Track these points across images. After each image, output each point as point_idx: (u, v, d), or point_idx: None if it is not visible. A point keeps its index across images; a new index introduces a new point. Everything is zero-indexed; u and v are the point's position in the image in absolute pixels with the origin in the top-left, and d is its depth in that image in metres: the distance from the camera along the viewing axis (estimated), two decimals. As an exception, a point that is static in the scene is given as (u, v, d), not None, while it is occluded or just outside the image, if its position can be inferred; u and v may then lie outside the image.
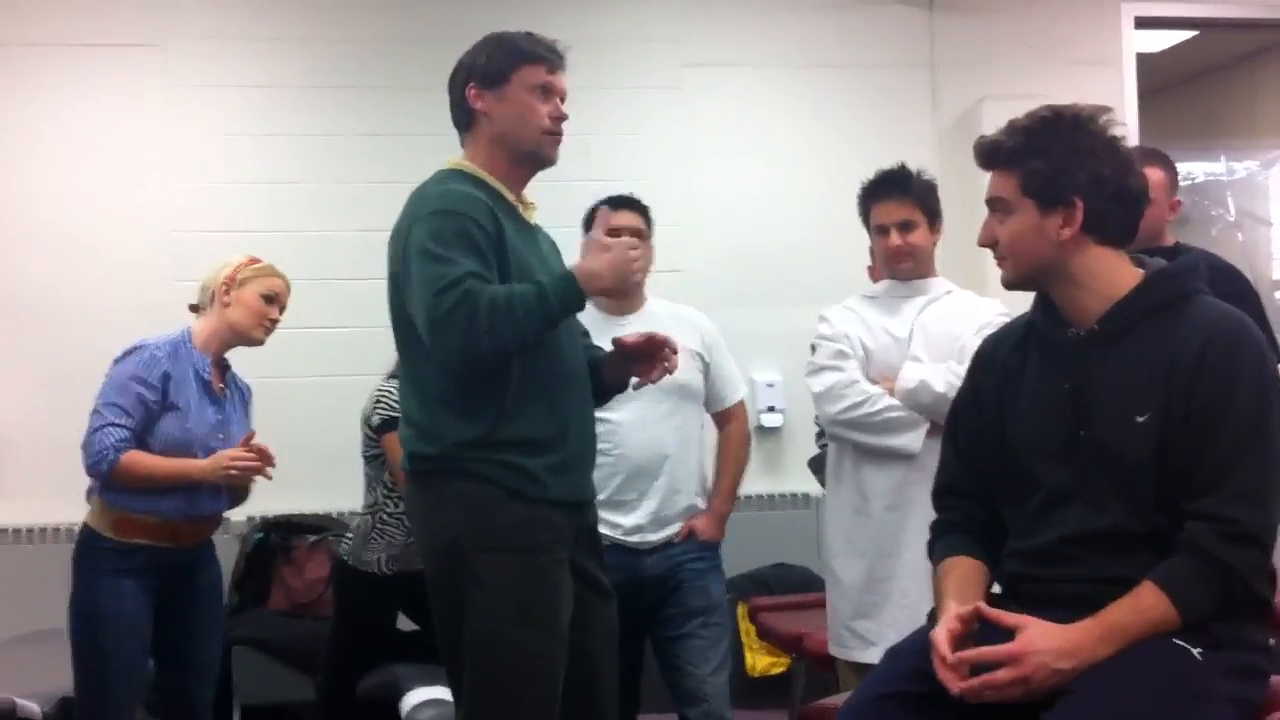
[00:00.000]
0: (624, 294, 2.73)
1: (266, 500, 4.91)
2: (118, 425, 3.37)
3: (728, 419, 3.93)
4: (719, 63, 5.58)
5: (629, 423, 3.59)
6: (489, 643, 2.65)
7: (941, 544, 2.47)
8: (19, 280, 5.11)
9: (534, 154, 2.80)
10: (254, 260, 3.66)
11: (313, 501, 4.90)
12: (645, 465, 3.63)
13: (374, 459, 4.00)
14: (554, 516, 2.70)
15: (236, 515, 4.91)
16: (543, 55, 2.80)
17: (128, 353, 3.50)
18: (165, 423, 3.45)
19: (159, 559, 3.47)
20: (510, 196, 2.82)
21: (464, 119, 2.85)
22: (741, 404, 3.96)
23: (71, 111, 5.19)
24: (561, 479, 2.71)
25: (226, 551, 4.83)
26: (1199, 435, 2.15)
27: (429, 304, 2.56)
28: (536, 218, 2.91)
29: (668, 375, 2.90)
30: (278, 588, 4.88)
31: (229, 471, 3.40)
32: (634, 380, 2.90)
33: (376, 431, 3.95)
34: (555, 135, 2.80)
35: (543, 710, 2.67)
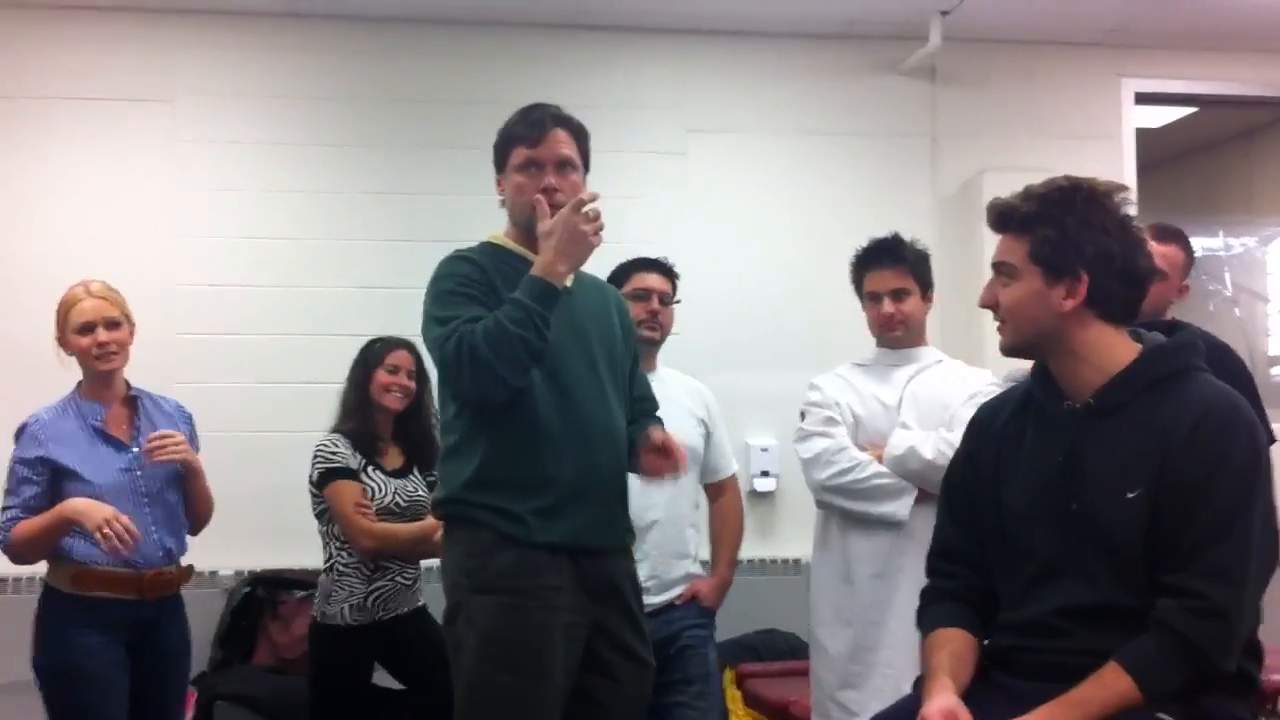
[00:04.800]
0: (582, 261, 2.80)
1: (255, 555, 4.92)
2: (9, 507, 3.39)
3: (721, 491, 3.97)
4: (722, 129, 5.63)
5: (644, 483, 3.59)
6: (472, 683, 2.71)
7: (931, 613, 2.45)
8: (20, 332, 5.09)
9: (531, 227, 2.84)
10: (68, 293, 3.56)
11: (302, 556, 4.85)
12: (662, 525, 3.66)
13: (322, 515, 4.01)
14: (549, 562, 2.73)
15: (224, 569, 4.91)
16: (521, 134, 2.89)
17: (16, 433, 3.49)
18: (68, 488, 3.41)
19: (124, 613, 3.43)
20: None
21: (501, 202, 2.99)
22: (734, 477, 4.01)
23: (76, 165, 5.21)
24: (551, 523, 2.74)
25: (212, 605, 4.83)
26: (1182, 510, 2.16)
27: (438, 361, 2.78)
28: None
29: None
30: (263, 643, 4.84)
31: (101, 532, 3.24)
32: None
33: (318, 486, 3.96)
34: (549, 205, 2.83)
35: None
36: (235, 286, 5.23)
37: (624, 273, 3.82)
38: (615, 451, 2.91)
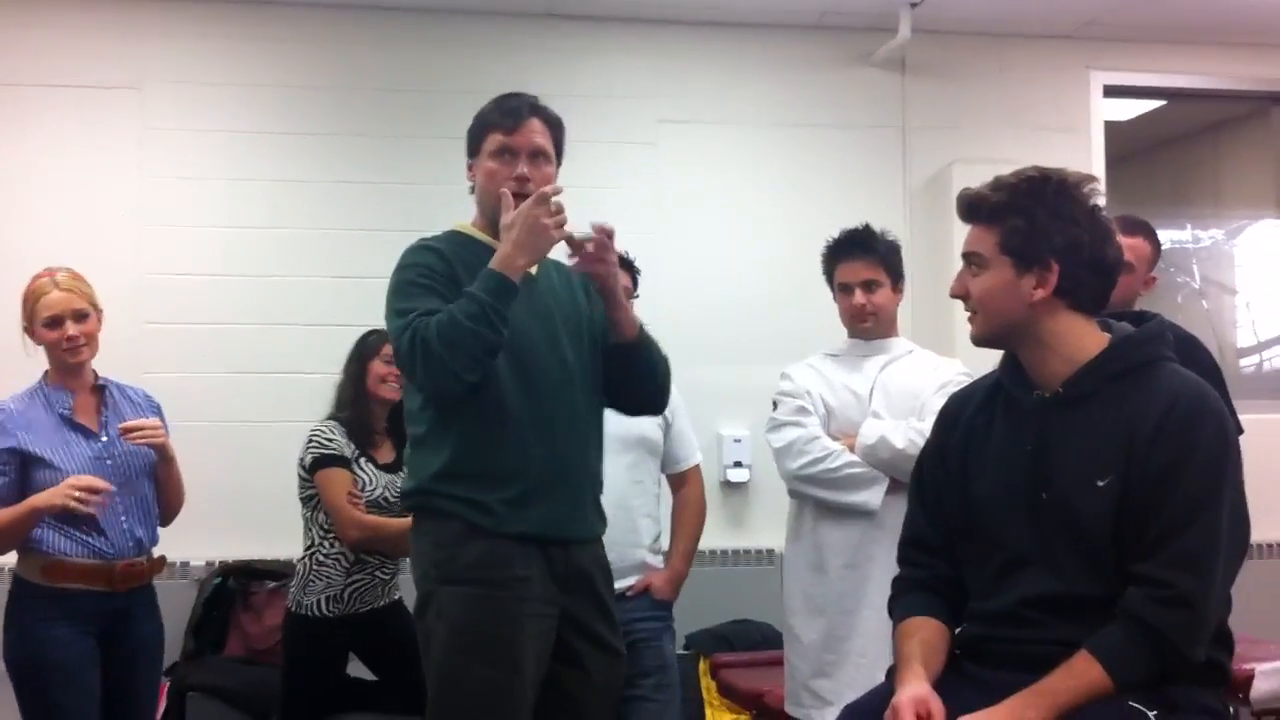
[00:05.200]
0: (543, 255, 2.76)
1: (227, 545, 4.90)
2: None
3: (684, 481, 3.99)
4: (693, 119, 5.62)
5: None
6: (443, 674, 2.71)
7: (903, 602, 2.47)
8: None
9: (494, 217, 2.82)
10: (34, 283, 3.53)
11: (274, 547, 4.85)
12: (610, 514, 3.61)
13: (308, 500, 4.00)
14: (518, 552, 2.73)
15: (196, 560, 4.89)
16: (496, 121, 2.87)
17: None
18: (38, 476, 3.40)
19: (94, 605, 3.41)
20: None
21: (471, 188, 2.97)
22: (698, 468, 4.01)
23: (45, 151, 5.16)
24: (521, 513, 2.74)
25: (184, 596, 4.80)
26: (1151, 499, 2.17)
27: (395, 353, 2.79)
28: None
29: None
30: (235, 634, 4.83)
31: (69, 499, 3.26)
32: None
33: (309, 471, 3.96)
34: (516, 195, 2.81)
35: None
36: (207, 276, 5.20)
37: None
38: (583, 440, 2.92)
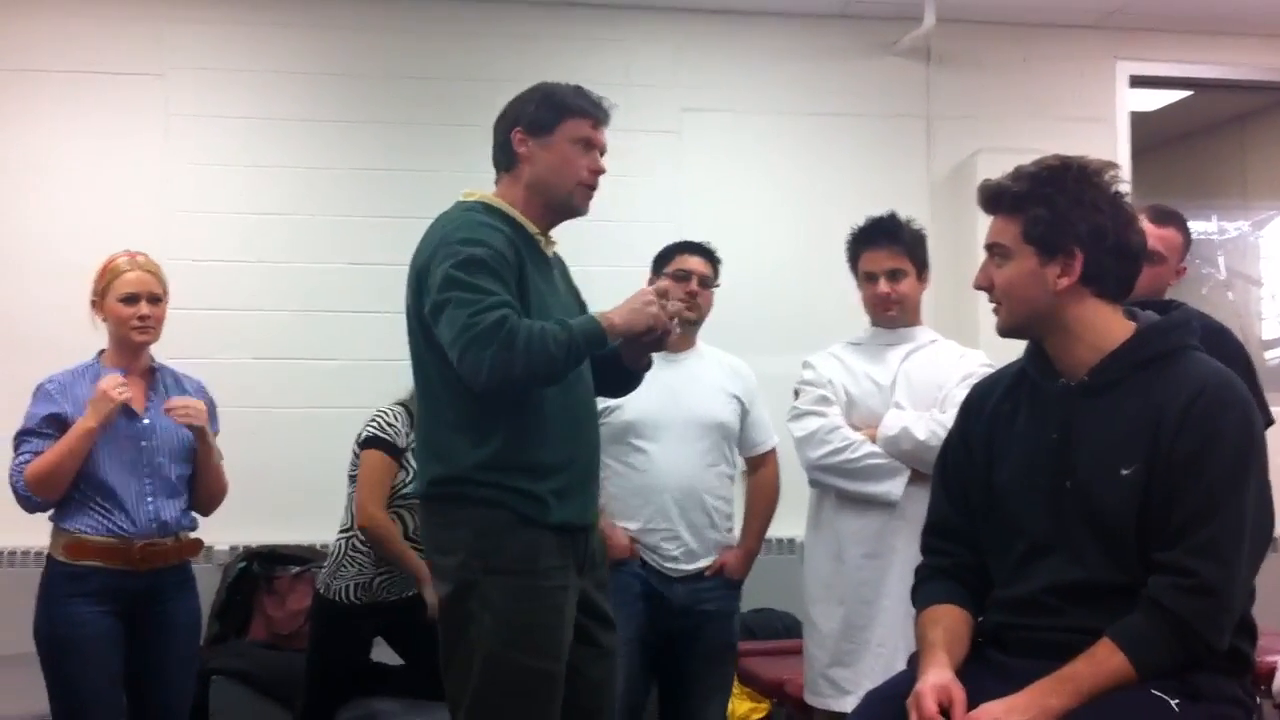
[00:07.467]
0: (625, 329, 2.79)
1: (250, 530, 4.92)
2: (20, 454, 3.43)
3: (761, 464, 4.05)
4: (717, 108, 5.62)
5: (667, 455, 3.73)
6: (493, 664, 2.70)
7: (926, 589, 2.46)
8: (13, 306, 5.09)
9: (566, 203, 2.88)
10: (112, 260, 3.61)
11: (297, 532, 4.87)
12: (681, 498, 3.74)
13: (355, 478, 3.99)
14: (559, 542, 2.76)
15: (220, 544, 4.91)
16: (589, 110, 2.88)
17: (33, 392, 3.54)
18: None
19: (114, 584, 3.44)
20: (533, 229, 2.88)
21: (505, 160, 2.92)
22: (774, 451, 4.06)
23: (68, 138, 5.19)
24: (565, 503, 2.77)
25: (208, 580, 4.81)
26: (1175, 487, 2.16)
27: (464, 323, 2.61)
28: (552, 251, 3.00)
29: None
30: (259, 618, 4.85)
31: (109, 398, 3.37)
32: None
33: (361, 446, 3.95)
34: (589, 188, 2.89)
35: None
36: (226, 262, 5.22)
37: (668, 254, 3.91)
38: (598, 429, 2.98)
